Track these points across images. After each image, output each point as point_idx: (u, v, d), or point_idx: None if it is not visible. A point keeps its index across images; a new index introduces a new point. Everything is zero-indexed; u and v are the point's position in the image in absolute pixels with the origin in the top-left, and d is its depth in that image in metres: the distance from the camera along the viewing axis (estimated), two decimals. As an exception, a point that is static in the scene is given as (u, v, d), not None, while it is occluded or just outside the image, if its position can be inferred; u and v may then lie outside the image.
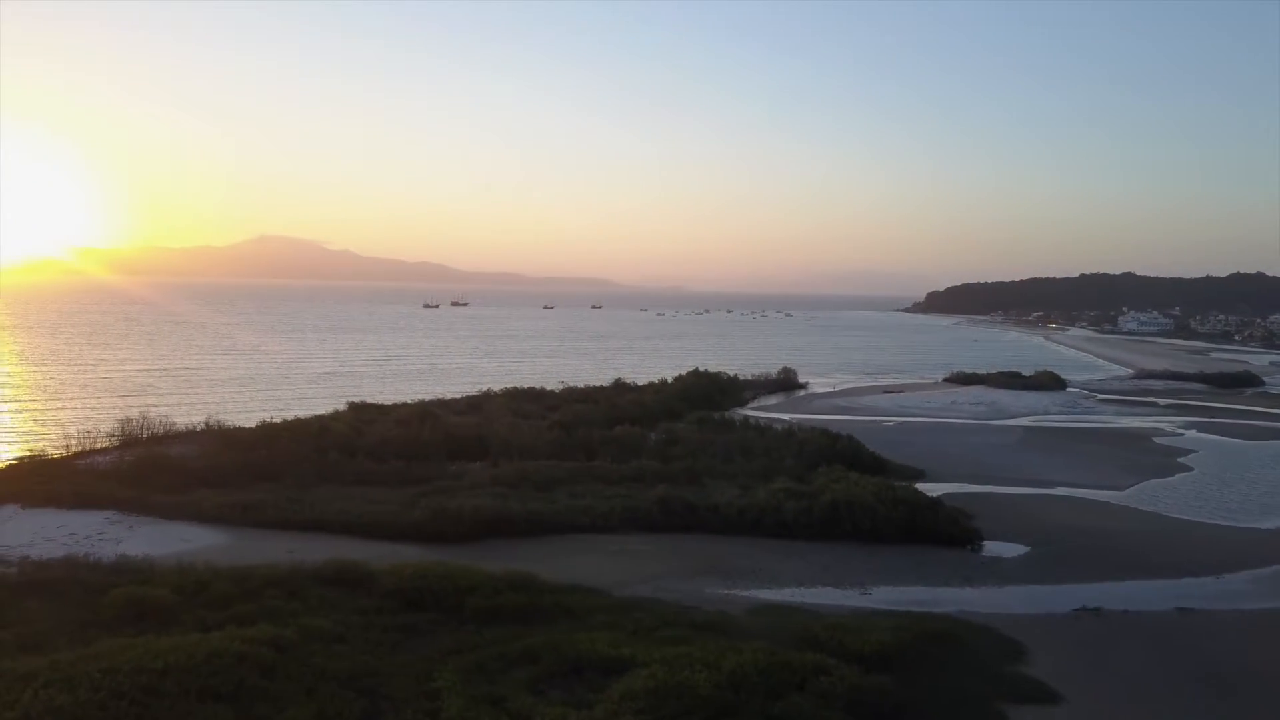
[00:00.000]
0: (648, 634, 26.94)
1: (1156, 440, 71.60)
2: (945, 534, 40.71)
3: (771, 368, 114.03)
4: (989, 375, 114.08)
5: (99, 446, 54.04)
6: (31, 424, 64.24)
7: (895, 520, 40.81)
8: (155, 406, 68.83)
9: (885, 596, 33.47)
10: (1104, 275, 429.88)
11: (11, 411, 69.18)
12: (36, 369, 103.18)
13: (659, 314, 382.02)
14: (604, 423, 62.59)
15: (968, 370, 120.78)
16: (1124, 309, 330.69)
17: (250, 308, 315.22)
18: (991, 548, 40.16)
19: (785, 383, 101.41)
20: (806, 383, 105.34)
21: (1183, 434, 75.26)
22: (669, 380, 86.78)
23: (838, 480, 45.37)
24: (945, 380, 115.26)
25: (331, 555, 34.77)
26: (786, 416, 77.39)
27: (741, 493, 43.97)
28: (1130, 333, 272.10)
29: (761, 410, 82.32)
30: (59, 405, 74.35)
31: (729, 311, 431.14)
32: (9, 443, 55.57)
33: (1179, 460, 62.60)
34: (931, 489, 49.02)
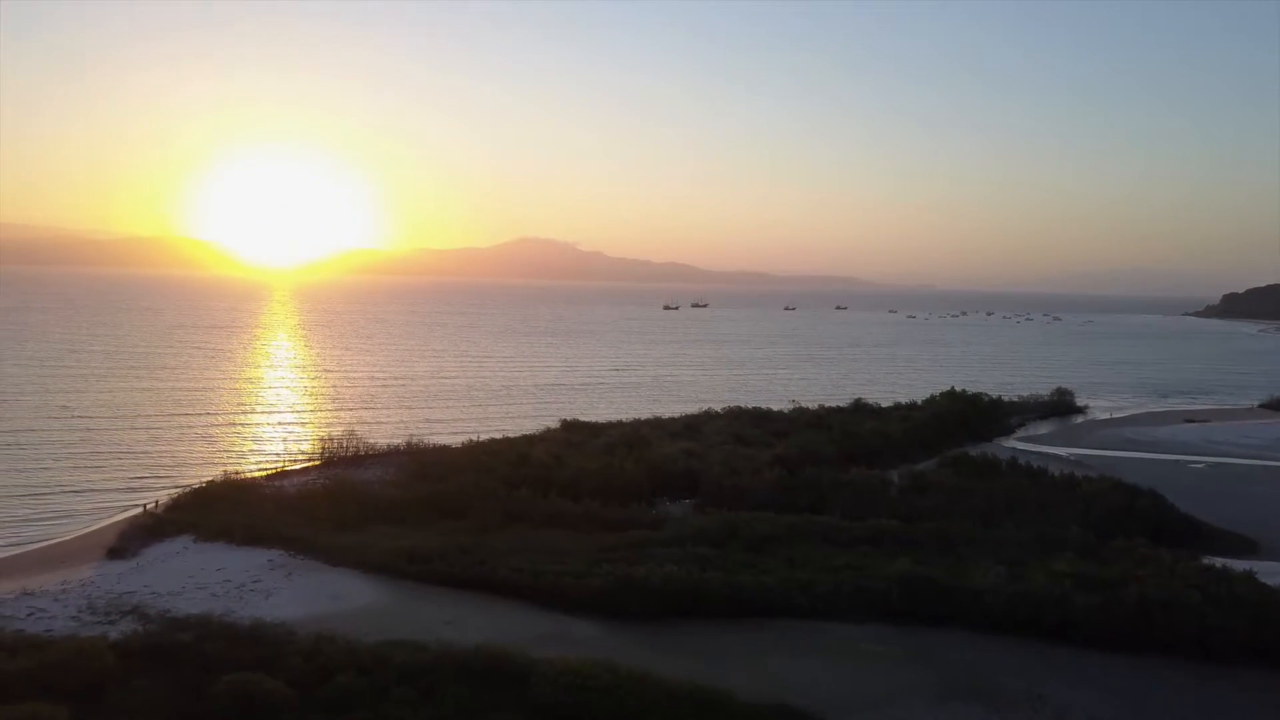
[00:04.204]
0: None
1: None
2: (1312, 655, 28.96)
3: (1041, 385, 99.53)
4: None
5: (296, 467, 51.95)
6: (246, 440, 64.10)
7: (1233, 630, 29.48)
8: (366, 423, 67.56)
9: (1231, 764, 22.96)
10: None
11: (234, 425, 69.93)
12: (279, 374, 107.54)
13: (909, 316, 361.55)
14: (837, 458, 53.79)
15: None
16: None
17: (499, 308, 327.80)
18: (1389, 681, 28.01)
19: (1059, 406, 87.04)
20: (1085, 406, 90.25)
21: None
22: (919, 403, 75.78)
23: (1145, 563, 34.42)
24: (1263, 406, 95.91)
25: (491, 630, 29.58)
26: (1062, 451, 64.83)
27: (1011, 573, 33.94)
28: None
29: (1031, 442, 69.78)
30: (281, 418, 74.95)
31: (989, 314, 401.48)
32: (216, 461, 54.57)
33: None
34: (1272, 570, 36.74)
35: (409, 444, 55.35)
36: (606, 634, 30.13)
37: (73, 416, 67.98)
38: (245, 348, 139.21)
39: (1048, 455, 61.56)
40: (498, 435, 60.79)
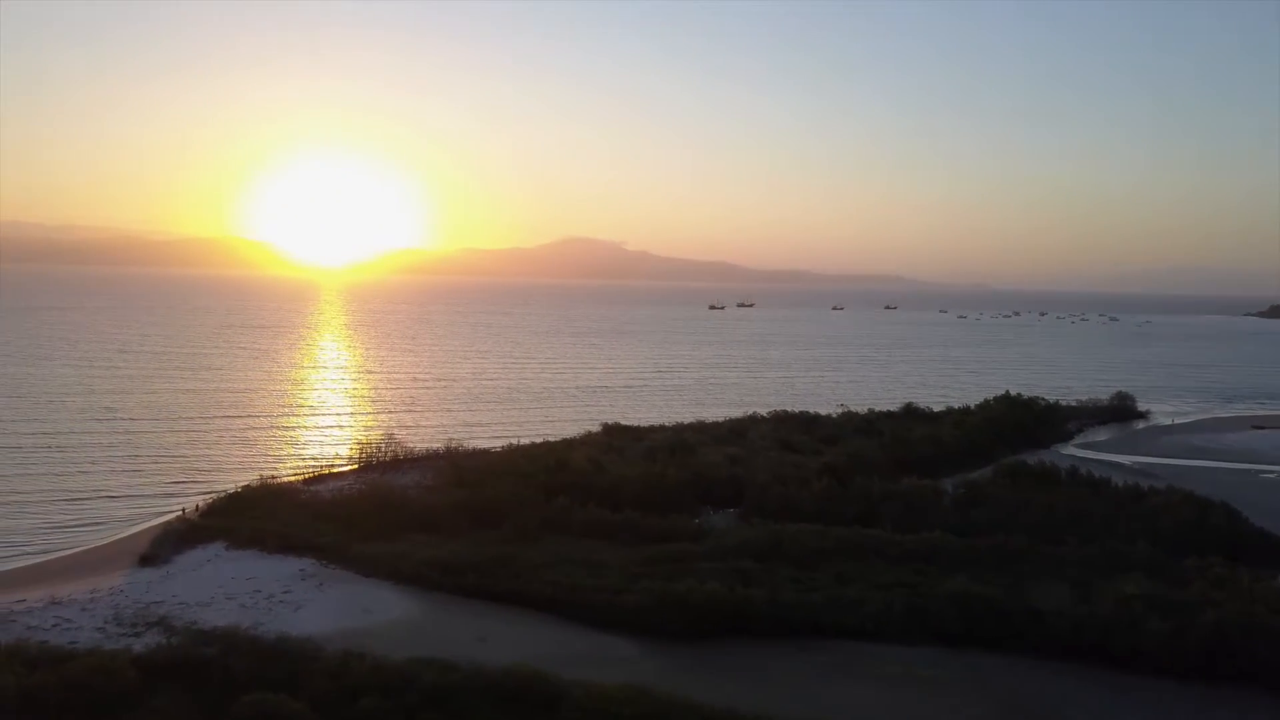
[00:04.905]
0: None
1: None
2: None
3: (1099, 388, 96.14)
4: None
5: (333, 471, 51.25)
6: (284, 443, 63.54)
7: (1321, 659, 27.24)
8: (406, 426, 66.99)
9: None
10: None
11: (273, 428, 69.48)
12: (322, 375, 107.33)
13: (960, 316, 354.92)
14: (888, 465, 51.88)
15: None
16: None
17: (544, 308, 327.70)
18: None
19: (1119, 411, 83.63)
20: (1147, 411, 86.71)
21: None
22: (971, 407, 73.25)
23: (1221, 584, 32.13)
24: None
25: (525, 648, 28.50)
26: (1125, 459, 62.13)
27: (1075, 594, 31.98)
28: None
29: (1090, 449, 67.05)
30: (321, 420, 74.42)
31: (1042, 314, 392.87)
32: (254, 465, 54.09)
33: None
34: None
35: (448, 448, 54.35)
36: (644, 654, 28.82)
37: (116, 418, 68.13)
38: (290, 348, 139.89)
39: (1109, 464, 59.03)
40: (538, 439, 59.66)
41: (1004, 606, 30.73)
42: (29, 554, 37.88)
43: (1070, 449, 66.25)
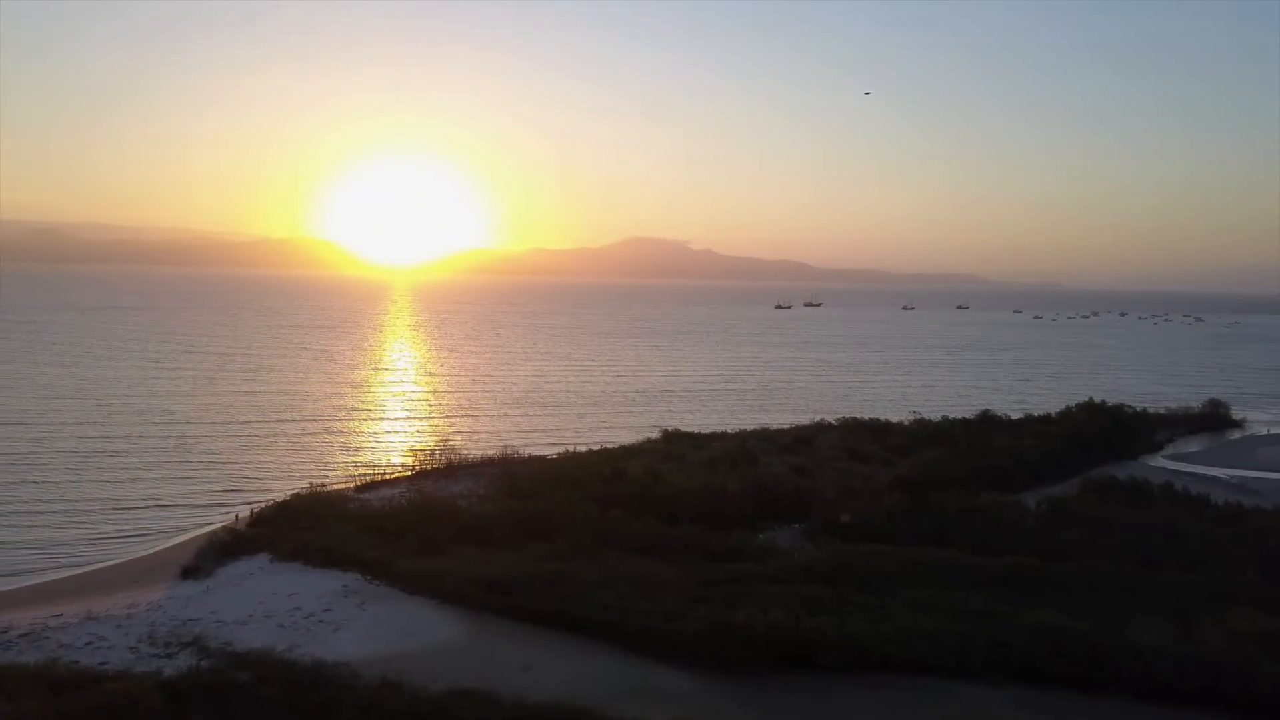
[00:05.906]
0: None
1: None
2: None
3: (1189, 395, 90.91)
4: None
5: (384, 479, 50.01)
6: (338, 449, 62.38)
7: None
8: (462, 431, 65.64)
9: None
10: None
11: (329, 432, 68.47)
12: (382, 377, 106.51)
13: (1036, 317, 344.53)
14: (964, 477, 48.69)
15: None
16: None
17: (608, 308, 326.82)
18: None
19: (1212, 419, 78.55)
20: (1242, 419, 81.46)
21: None
22: (1053, 415, 69.36)
23: (1347, 622, 28.70)
24: None
25: (572, 679, 26.72)
26: (1221, 473, 57.93)
27: (1178, 628, 28.82)
28: None
29: (1182, 460, 62.79)
30: (377, 425, 73.27)
31: (1122, 314, 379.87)
32: (306, 471, 53.07)
33: None
34: None
35: (503, 455, 52.94)
36: (700, 688, 26.67)
37: (173, 421, 67.97)
38: (353, 349, 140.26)
39: (1205, 478, 54.92)
40: (596, 445, 58.10)
41: (1098, 643, 27.84)
42: (69, 566, 37.14)
43: (1160, 461, 62.06)
